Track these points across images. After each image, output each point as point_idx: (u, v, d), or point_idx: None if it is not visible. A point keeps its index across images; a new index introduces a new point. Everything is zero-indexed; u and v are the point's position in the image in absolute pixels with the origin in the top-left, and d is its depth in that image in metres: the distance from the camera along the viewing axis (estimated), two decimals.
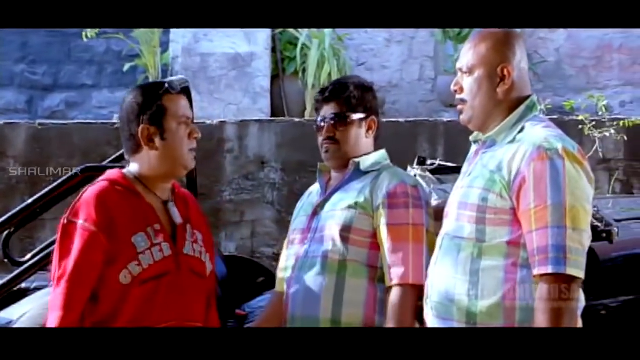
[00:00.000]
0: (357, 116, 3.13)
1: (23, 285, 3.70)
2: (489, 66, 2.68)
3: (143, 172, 2.76)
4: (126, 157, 2.82)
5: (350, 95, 3.14)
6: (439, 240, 2.74)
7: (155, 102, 2.74)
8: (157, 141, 2.73)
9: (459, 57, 2.79)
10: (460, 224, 2.64)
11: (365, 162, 3.13)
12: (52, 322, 2.59)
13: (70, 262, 2.61)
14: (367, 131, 3.16)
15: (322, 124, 3.13)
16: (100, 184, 2.73)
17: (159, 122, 2.73)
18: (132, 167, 2.79)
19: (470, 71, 2.71)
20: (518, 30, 2.91)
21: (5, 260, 3.68)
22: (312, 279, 2.95)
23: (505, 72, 2.67)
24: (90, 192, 2.69)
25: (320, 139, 3.16)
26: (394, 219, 2.92)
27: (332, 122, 3.11)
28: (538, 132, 2.61)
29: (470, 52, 2.73)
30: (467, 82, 2.72)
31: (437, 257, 2.71)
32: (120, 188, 2.72)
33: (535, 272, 2.47)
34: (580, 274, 2.47)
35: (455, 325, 2.59)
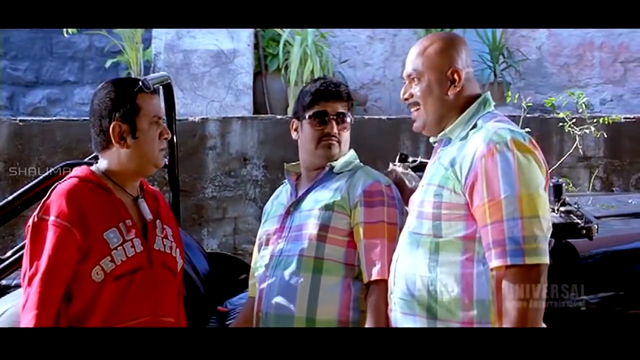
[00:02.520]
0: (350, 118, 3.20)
1: (3, 282, 3.68)
2: (438, 71, 2.74)
3: (112, 168, 2.75)
4: (95, 152, 2.80)
5: (351, 97, 3.23)
6: (401, 236, 2.79)
7: (129, 99, 2.72)
8: (129, 139, 2.72)
9: (405, 64, 2.83)
10: (419, 221, 2.70)
11: (339, 162, 3.16)
12: (27, 322, 2.56)
13: (43, 259, 2.58)
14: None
15: (328, 119, 3.14)
16: (69, 180, 2.71)
17: (132, 120, 2.71)
18: (101, 164, 2.77)
19: (419, 78, 2.78)
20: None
21: None
22: (287, 277, 2.97)
23: (456, 76, 2.73)
24: (60, 188, 2.67)
25: (318, 133, 3.16)
26: (370, 217, 2.95)
27: (341, 120, 3.14)
28: (489, 127, 2.64)
29: (417, 59, 2.79)
30: (418, 89, 2.79)
31: (399, 253, 2.75)
32: (91, 184, 2.70)
33: (493, 264, 2.51)
34: (542, 259, 2.50)
35: (417, 320, 2.63)
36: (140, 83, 2.76)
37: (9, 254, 3.61)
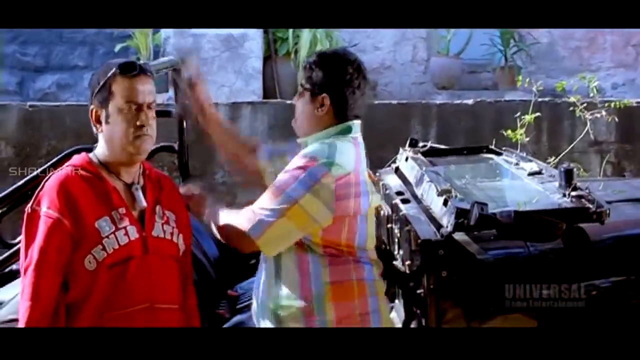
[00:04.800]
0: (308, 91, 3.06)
1: (14, 267, 3.69)
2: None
3: (102, 154, 2.74)
4: None
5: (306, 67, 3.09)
6: None
7: (104, 83, 2.68)
8: (103, 124, 2.71)
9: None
10: None
11: (308, 142, 3.05)
12: (23, 312, 2.56)
13: (35, 250, 2.58)
14: (319, 108, 3.01)
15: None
16: (63, 170, 2.70)
17: (106, 104, 2.68)
18: (97, 150, 2.77)
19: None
20: None
21: None
22: (262, 268, 3.02)
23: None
24: (53, 179, 2.66)
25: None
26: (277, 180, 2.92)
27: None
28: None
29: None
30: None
31: None
32: (84, 173, 2.68)
33: None
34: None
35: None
36: (117, 66, 2.70)
37: (19, 238, 3.61)
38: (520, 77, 6.84)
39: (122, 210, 2.68)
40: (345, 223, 2.91)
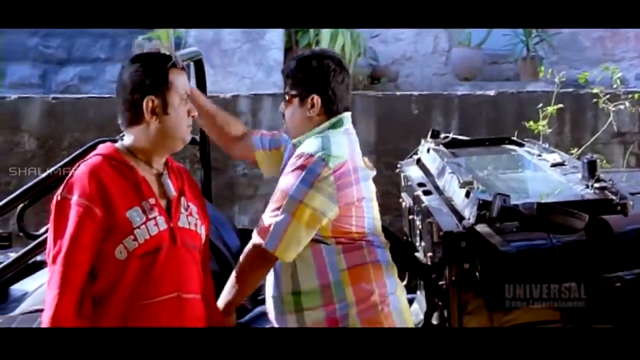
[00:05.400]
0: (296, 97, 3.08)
1: (38, 258, 3.72)
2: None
3: (139, 144, 2.72)
4: (122, 127, 2.77)
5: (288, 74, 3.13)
6: None
7: (161, 74, 2.70)
8: (160, 114, 2.70)
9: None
10: None
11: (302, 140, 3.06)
12: (50, 301, 2.55)
13: (65, 239, 2.56)
14: (310, 109, 3.04)
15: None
16: (93, 158, 2.68)
17: (164, 95, 2.69)
18: (127, 140, 2.74)
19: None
20: None
21: (21, 234, 3.70)
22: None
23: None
24: (83, 167, 2.65)
25: None
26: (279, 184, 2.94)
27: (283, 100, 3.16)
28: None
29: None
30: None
31: None
32: (114, 162, 2.68)
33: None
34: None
35: None
36: (173, 58, 2.75)
37: (42, 230, 3.64)
38: (542, 68, 6.81)
39: (152, 200, 2.69)
40: (352, 211, 2.91)
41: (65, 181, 2.65)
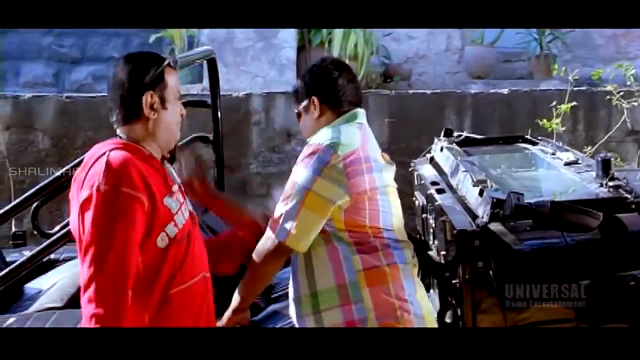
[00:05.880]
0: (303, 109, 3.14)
1: (52, 256, 3.74)
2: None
3: (139, 140, 2.72)
4: (117, 125, 2.75)
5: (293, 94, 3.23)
6: None
7: (159, 72, 2.74)
8: (159, 109, 2.72)
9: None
10: None
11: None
12: (107, 297, 2.46)
13: (119, 230, 2.50)
14: (314, 111, 3.09)
15: None
16: (119, 151, 2.64)
17: (161, 91, 2.73)
18: (131, 134, 2.73)
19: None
20: None
21: (35, 232, 3.72)
22: (295, 260, 3.00)
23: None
24: (119, 158, 2.60)
25: None
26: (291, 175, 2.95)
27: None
28: None
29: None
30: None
31: None
32: (138, 153, 2.69)
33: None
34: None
35: None
36: (168, 58, 2.79)
37: (56, 228, 3.65)
38: (555, 66, 6.80)
39: (175, 187, 2.73)
40: (365, 202, 2.85)
41: (103, 173, 2.55)
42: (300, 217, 2.80)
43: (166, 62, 2.77)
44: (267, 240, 2.86)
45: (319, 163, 2.84)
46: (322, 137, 2.91)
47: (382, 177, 2.92)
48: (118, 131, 2.75)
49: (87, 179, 2.57)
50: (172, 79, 2.77)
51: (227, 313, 2.99)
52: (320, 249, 2.90)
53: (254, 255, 2.91)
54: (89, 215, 2.52)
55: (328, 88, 3.03)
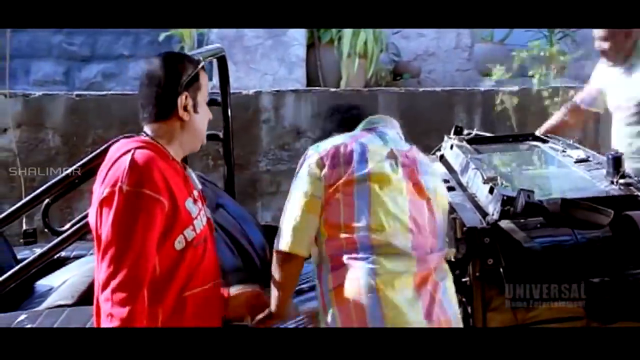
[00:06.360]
0: None
1: (63, 253, 3.75)
2: None
3: (163, 140, 2.72)
4: (145, 122, 2.76)
5: None
6: None
7: (195, 74, 2.75)
8: (191, 112, 2.73)
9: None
10: None
11: None
12: (124, 297, 2.46)
13: (138, 231, 2.50)
14: None
15: None
16: (142, 150, 2.63)
17: (195, 94, 2.74)
18: (158, 134, 2.74)
19: None
20: None
21: (45, 230, 3.72)
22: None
23: None
24: (143, 158, 2.59)
25: None
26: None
27: None
28: None
29: None
30: None
31: None
32: (161, 154, 2.68)
33: None
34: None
35: None
36: (202, 61, 2.82)
37: (67, 226, 3.66)
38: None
39: (195, 192, 2.74)
40: (340, 197, 2.74)
41: (124, 172, 2.55)
42: (294, 221, 2.78)
43: (201, 65, 2.79)
44: (274, 252, 2.84)
45: (302, 165, 2.86)
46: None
47: (365, 167, 2.78)
48: (145, 128, 2.75)
49: (109, 176, 2.57)
50: (205, 81, 2.79)
51: (267, 314, 2.94)
52: (315, 266, 2.87)
53: (272, 264, 2.87)
54: (109, 214, 2.51)
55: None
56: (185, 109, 2.71)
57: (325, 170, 2.78)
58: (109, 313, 2.47)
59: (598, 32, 4.75)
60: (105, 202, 2.53)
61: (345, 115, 3.11)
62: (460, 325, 2.77)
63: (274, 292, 2.88)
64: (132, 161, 2.56)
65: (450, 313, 2.71)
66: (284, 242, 2.78)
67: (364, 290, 2.64)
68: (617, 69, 4.70)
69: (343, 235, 2.73)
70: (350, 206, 2.74)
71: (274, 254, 2.83)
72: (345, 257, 2.70)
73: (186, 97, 2.70)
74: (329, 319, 2.71)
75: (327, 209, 2.77)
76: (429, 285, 2.70)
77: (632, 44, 4.65)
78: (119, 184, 2.52)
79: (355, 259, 2.69)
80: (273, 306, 2.90)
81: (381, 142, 2.91)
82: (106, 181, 2.56)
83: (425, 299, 2.67)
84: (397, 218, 2.74)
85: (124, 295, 2.47)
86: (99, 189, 2.58)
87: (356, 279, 2.66)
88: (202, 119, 2.78)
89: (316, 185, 2.78)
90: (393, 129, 3.06)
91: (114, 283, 2.47)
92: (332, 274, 2.73)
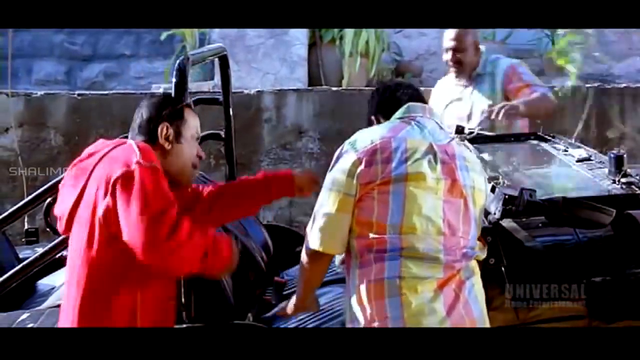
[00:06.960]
0: None
1: (64, 253, 3.74)
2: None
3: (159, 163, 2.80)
4: (133, 135, 2.90)
5: None
6: None
7: (178, 108, 2.90)
8: (173, 142, 2.86)
9: None
10: None
11: None
12: (202, 241, 2.65)
13: (169, 193, 2.66)
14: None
15: None
16: (156, 167, 2.71)
17: (178, 126, 2.87)
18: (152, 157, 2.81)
19: None
20: None
21: (47, 229, 3.73)
22: None
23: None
24: (149, 150, 2.75)
25: None
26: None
27: None
28: None
29: None
30: None
31: None
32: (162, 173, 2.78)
33: None
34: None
35: None
36: (186, 100, 3.00)
37: None
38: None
39: None
40: (375, 195, 2.72)
41: (136, 151, 2.69)
42: (326, 219, 2.77)
43: (186, 102, 2.97)
44: (304, 246, 2.85)
45: (337, 162, 2.84)
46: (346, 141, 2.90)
47: (403, 166, 2.75)
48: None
49: (113, 161, 2.70)
50: (191, 118, 2.92)
51: (290, 305, 3.02)
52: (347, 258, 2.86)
53: (301, 258, 2.89)
54: (131, 188, 2.59)
55: (377, 107, 3.09)
56: (167, 139, 2.84)
57: (361, 168, 2.76)
58: (195, 247, 2.62)
59: (449, 44, 4.90)
60: (122, 179, 2.61)
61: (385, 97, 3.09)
62: (487, 324, 2.75)
63: (300, 285, 2.96)
64: (139, 146, 2.72)
65: (475, 314, 2.71)
66: (315, 240, 2.79)
67: (387, 293, 2.66)
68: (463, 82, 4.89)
69: (374, 234, 2.72)
70: (384, 206, 2.73)
71: (303, 251, 2.85)
72: (373, 256, 2.72)
73: (167, 127, 2.84)
74: (353, 312, 2.74)
75: (360, 206, 2.76)
76: (453, 284, 2.71)
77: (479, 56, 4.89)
78: (134, 160, 2.64)
79: (383, 259, 2.70)
80: (297, 298, 2.96)
81: (420, 135, 2.85)
82: (112, 166, 2.66)
83: (449, 297, 2.68)
84: (430, 220, 2.72)
85: (196, 234, 2.62)
86: (103, 174, 2.67)
87: (381, 279, 2.68)
88: (186, 150, 2.88)
89: (351, 183, 2.77)
90: (432, 119, 2.98)
91: (175, 237, 2.56)
92: (359, 270, 2.74)
